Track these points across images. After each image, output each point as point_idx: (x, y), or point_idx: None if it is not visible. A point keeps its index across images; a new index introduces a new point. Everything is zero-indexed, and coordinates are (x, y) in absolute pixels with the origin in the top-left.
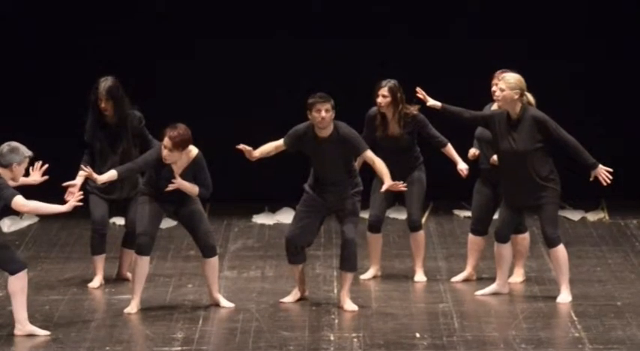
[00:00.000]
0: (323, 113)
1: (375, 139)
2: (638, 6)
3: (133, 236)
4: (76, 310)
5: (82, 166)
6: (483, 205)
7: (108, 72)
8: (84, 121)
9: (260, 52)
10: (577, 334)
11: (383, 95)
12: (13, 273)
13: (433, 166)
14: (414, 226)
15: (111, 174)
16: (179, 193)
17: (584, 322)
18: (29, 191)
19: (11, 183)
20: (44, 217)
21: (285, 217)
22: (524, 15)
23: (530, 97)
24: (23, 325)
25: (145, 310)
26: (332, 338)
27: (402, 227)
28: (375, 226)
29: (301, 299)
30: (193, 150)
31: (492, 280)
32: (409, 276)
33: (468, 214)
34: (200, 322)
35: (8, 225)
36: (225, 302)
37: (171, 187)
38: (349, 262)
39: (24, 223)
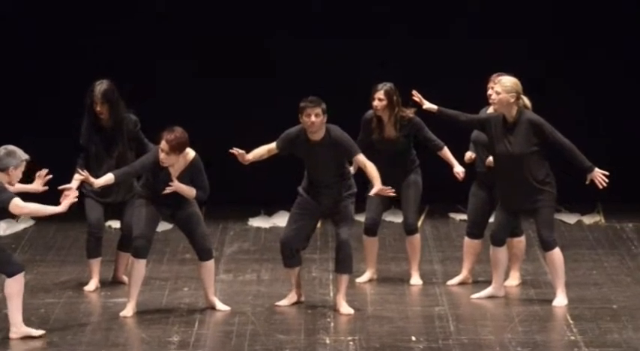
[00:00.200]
0: (313, 118)
1: (371, 142)
2: (638, 6)
3: (128, 239)
4: (72, 314)
5: (79, 170)
6: (479, 209)
7: (108, 72)
8: (80, 124)
9: (260, 52)
10: (573, 338)
11: (379, 98)
12: (10, 275)
13: (429, 170)
14: (409, 229)
15: (108, 178)
16: (176, 195)
17: (580, 326)
18: (25, 194)
19: (9, 188)
20: (40, 221)
21: (281, 220)
22: (524, 15)
23: (526, 100)
24: (18, 327)
25: (141, 313)
26: (328, 341)
27: (398, 230)
28: (371, 229)
29: (297, 302)
30: (190, 153)
31: (488, 283)
32: (405, 279)
33: (464, 217)
34: (196, 325)
35: (4, 228)
36: (221, 305)
37: (168, 190)
38: (344, 264)
39: (20, 227)
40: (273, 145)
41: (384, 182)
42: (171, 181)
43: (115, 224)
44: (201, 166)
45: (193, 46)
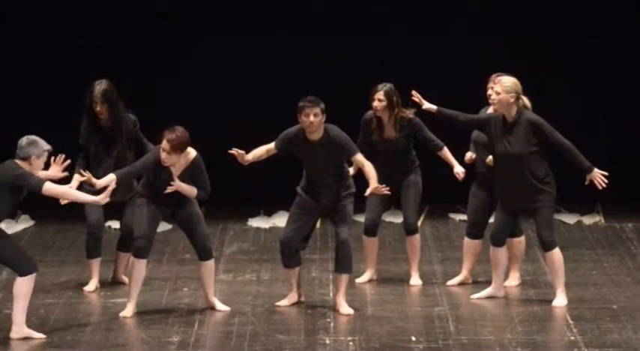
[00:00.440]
0: (311, 117)
1: (371, 143)
2: (638, 6)
3: (128, 240)
4: (72, 314)
5: (81, 170)
6: (479, 209)
7: (108, 72)
8: (79, 124)
9: (260, 52)
10: (573, 338)
11: (379, 99)
12: (23, 275)
13: (429, 170)
14: (409, 229)
15: (110, 178)
16: (177, 195)
17: (579, 326)
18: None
19: None
20: (40, 221)
21: (281, 220)
22: (524, 15)
23: (526, 100)
24: (20, 327)
25: (141, 313)
26: (327, 342)
27: (398, 231)
28: (371, 229)
29: (297, 303)
30: (192, 152)
31: (488, 283)
32: (405, 279)
33: (464, 217)
34: (196, 325)
35: (4, 228)
36: (220, 306)
37: (169, 190)
38: (344, 263)
39: (19, 227)
40: (271, 145)
41: (384, 183)
42: (173, 180)
43: (115, 224)
44: (203, 166)
45: (193, 46)
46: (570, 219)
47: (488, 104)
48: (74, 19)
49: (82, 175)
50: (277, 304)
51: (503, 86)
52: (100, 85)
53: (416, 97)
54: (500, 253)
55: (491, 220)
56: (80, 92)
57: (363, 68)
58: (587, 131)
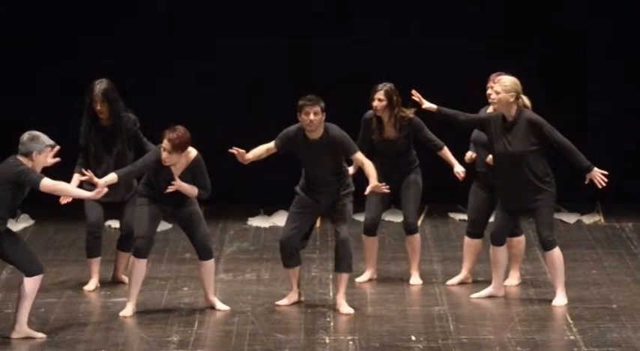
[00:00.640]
0: (311, 116)
1: (371, 143)
2: (639, 6)
3: (128, 239)
4: (72, 313)
5: (82, 170)
6: (479, 208)
7: (108, 72)
8: (79, 124)
9: (260, 51)
10: (572, 337)
11: (379, 99)
12: (29, 275)
13: (429, 170)
14: (409, 228)
15: (111, 177)
16: (178, 194)
17: (579, 325)
18: None
19: None
20: (40, 220)
21: (281, 219)
22: (524, 15)
23: (525, 99)
24: (22, 327)
25: (141, 313)
26: (327, 341)
27: (398, 230)
28: (370, 229)
29: (297, 302)
30: (192, 151)
31: (488, 282)
32: (405, 279)
33: (464, 217)
34: (196, 324)
35: None
36: (220, 305)
37: (170, 189)
38: (344, 262)
39: (19, 226)
40: (271, 144)
41: (384, 182)
42: (174, 180)
43: (115, 224)
44: (203, 165)
45: (193, 46)
46: (570, 218)
47: (488, 104)
48: (74, 19)
49: (83, 174)
50: (277, 303)
51: (502, 86)
52: (100, 84)
53: (416, 96)
54: (500, 253)
55: (492, 219)
56: (80, 92)
57: (362, 68)
58: (587, 131)
